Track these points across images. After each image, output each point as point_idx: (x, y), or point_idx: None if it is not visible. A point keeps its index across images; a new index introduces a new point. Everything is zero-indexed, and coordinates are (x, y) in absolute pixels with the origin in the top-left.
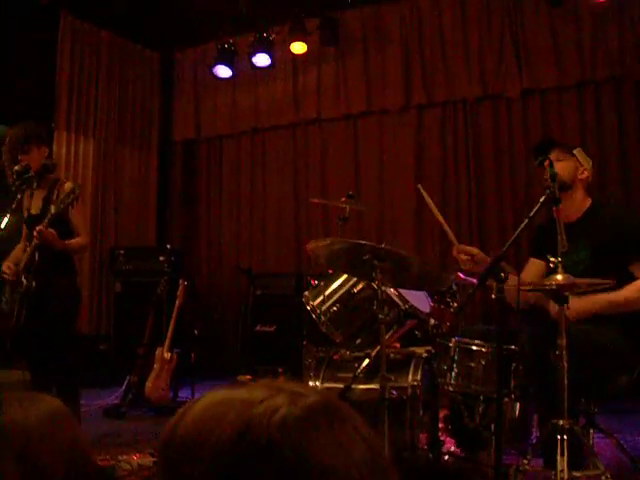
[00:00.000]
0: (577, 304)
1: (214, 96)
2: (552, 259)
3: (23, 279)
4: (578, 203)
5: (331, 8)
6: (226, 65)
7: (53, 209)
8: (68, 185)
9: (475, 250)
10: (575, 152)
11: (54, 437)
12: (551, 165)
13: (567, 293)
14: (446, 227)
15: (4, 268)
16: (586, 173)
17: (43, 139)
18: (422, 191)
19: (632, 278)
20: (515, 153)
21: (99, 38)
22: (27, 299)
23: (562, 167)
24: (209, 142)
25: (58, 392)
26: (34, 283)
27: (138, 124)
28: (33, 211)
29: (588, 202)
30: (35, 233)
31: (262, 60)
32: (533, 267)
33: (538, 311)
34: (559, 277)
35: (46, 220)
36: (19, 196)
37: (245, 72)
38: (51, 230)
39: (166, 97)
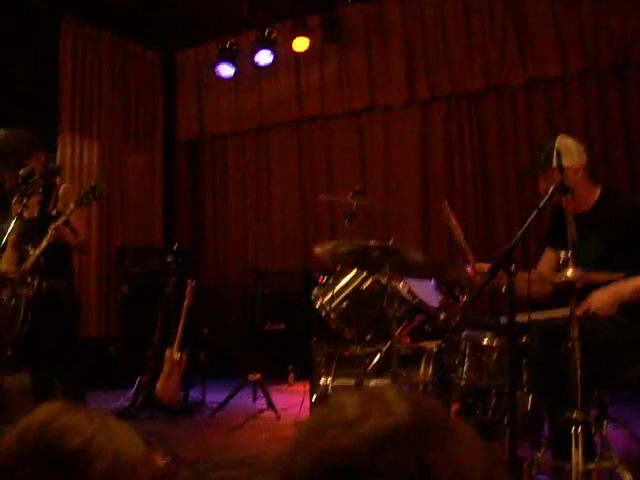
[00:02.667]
0: (600, 297)
1: (217, 95)
2: (562, 253)
3: (30, 280)
4: (585, 196)
5: (333, 4)
6: (228, 64)
7: (72, 205)
8: (68, 187)
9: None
10: (554, 162)
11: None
12: (559, 156)
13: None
14: (465, 246)
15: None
16: (578, 171)
17: (41, 145)
18: (447, 209)
19: None
20: (520, 144)
21: (101, 39)
22: (35, 302)
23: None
24: (213, 141)
25: (64, 397)
26: (44, 284)
27: (142, 124)
28: (27, 215)
29: (597, 192)
30: (51, 230)
31: (264, 58)
32: (547, 258)
33: (548, 304)
34: (569, 272)
35: (62, 218)
36: (24, 201)
37: (247, 70)
38: (65, 227)
39: (169, 97)
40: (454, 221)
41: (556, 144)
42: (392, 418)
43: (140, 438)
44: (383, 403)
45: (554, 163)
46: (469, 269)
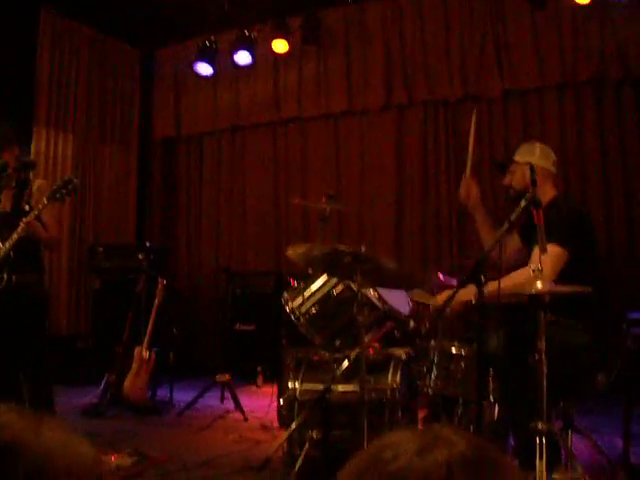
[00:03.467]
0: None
1: (195, 94)
2: (533, 267)
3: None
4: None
5: (313, 6)
6: (207, 62)
7: (45, 200)
8: (43, 182)
9: (475, 192)
10: (517, 154)
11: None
12: (532, 170)
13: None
14: (470, 159)
15: None
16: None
17: (15, 138)
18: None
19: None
20: (495, 152)
21: (80, 34)
22: (4, 295)
23: (514, 180)
24: (189, 140)
25: (31, 391)
26: (14, 277)
27: (118, 121)
28: (0, 209)
29: (551, 195)
30: (22, 224)
31: (243, 58)
32: (514, 242)
33: (516, 314)
34: (539, 284)
35: (34, 213)
36: None
37: (226, 70)
38: (36, 222)
39: (146, 94)
40: (473, 131)
41: (522, 145)
42: (454, 452)
43: (87, 443)
44: (443, 439)
45: (516, 157)
46: (440, 275)
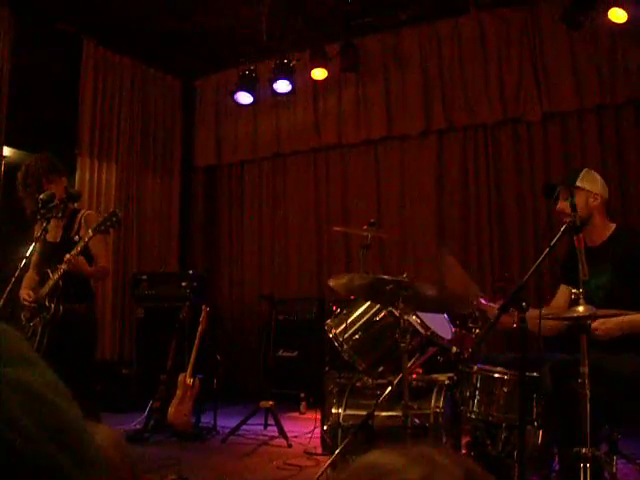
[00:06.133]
0: (605, 324)
1: (235, 122)
2: (574, 291)
3: (48, 304)
4: (600, 228)
5: (351, 34)
6: (247, 91)
7: (91, 232)
8: (91, 213)
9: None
10: (579, 182)
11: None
12: (571, 195)
13: (589, 322)
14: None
15: (24, 295)
16: (598, 198)
17: (64, 170)
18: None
19: None
20: (536, 177)
21: (121, 65)
22: (52, 325)
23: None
24: (230, 168)
25: None
26: (61, 308)
27: (160, 150)
28: (50, 239)
29: (612, 227)
30: (66, 260)
31: (283, 86)
32: (562, 294)
33: (561, 339)
34: (580, 308)
35: (78, 247)
36: (44, 224)
37: (266, 98)
38: (81, 257)
39: (188, 123)
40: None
41: (583, 171)
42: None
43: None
44: (440, 468)
45: (578, 183)
46: (482, 300)
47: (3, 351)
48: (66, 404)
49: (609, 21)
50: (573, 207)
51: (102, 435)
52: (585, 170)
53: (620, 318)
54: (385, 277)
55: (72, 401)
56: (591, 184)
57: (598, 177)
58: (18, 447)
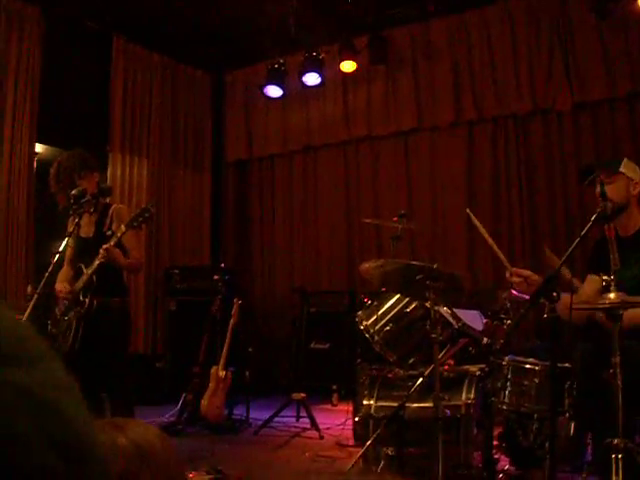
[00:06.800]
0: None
1: (265, 116)
2: (604, 277)
3: (82, 298)
4: (635, 217)
5: (380, 26)
6: (276, 85)
7: (124, 228)
8: (122, 207)
9: (528, 272)
10: (622, 168)
11: (152, 459)
12: (602, 184)
13: (621, 311)
14: (497, 251)
15: (59, 288)
16: (638, 187)
17: (96, 165)
18: (471, 216)
19: None
20: (567, 167)
21: (151, 61)
22: (86, 319)
23: (612, 190)
24: (261, 162)
25: (113, 412)
26: (95, 302)
27: (191, 145)
28: (83, 234)
29: None
30: (103, 248)
31: (312, 79)
32: (591, 284)
33: (591, 328)
34: (612, 295)
35: (115, 238)
36: (76, 220)
37: (295, 91)
38: (117, 249)
39: (218, 118)
40: (481, 226)
41: (624, 159)
42: None
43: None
44: None
45: (622, 169)
46: (513, 291)
47: None
48: (72, 406)
49: (637, 7)
50: (603, 196)
51: (142, 429)
52: (625, 159)
53: None
54: (417, 263)
55: (80, 402)
56: (633, 172)
57: (637, 167)
58: (9, 454)
